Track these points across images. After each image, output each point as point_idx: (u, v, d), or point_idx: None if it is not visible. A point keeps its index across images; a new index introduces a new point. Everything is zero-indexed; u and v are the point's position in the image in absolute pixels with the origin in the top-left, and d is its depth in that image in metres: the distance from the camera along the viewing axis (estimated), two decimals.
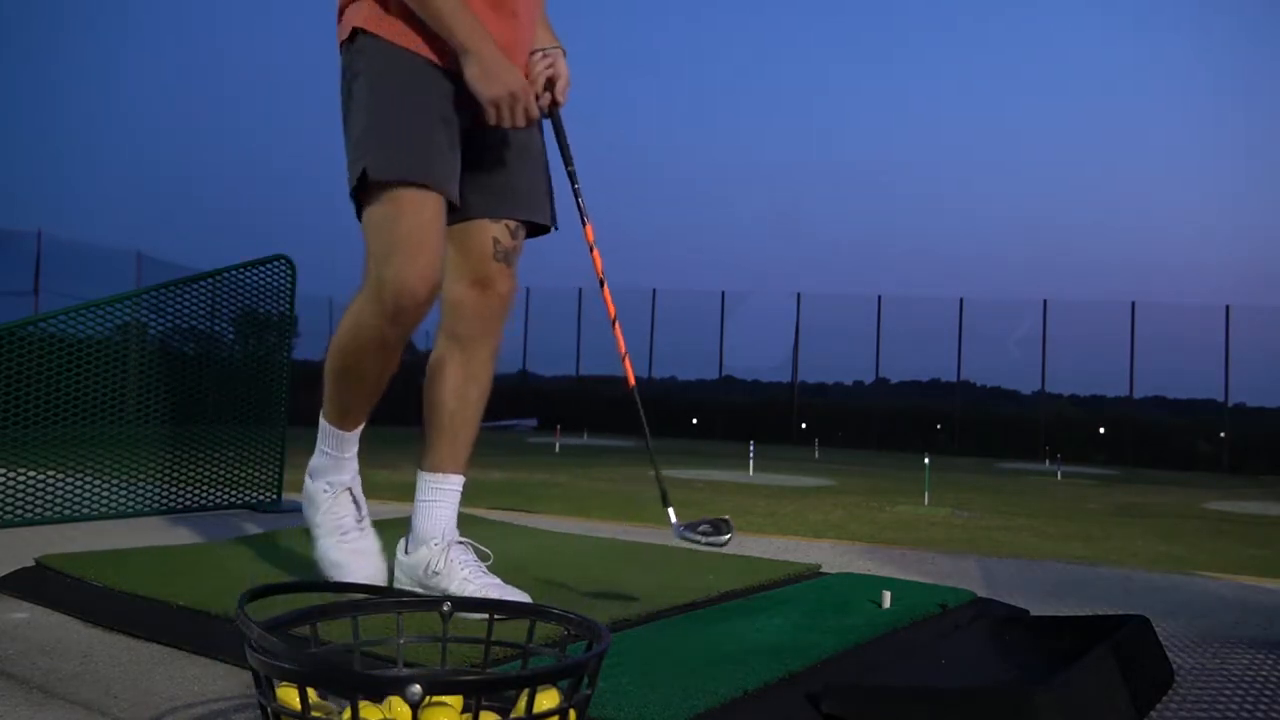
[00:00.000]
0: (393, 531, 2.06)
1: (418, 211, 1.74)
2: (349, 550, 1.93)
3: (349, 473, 1.98)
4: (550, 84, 1.94)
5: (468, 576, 1.83)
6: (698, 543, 1.85)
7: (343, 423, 1.94)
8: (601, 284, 2.03)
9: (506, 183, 1.94)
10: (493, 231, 1.92)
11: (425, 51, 1.80)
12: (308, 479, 2.00)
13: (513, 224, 1.95)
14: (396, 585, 1.96)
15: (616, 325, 2.04)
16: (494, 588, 1.82)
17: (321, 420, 1.97)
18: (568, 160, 1.98)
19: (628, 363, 2.05)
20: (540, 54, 1.96)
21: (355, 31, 1.81)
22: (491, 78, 1.74)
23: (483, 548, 1.94)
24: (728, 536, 1.83)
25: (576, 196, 1.96)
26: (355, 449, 1.99)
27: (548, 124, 2.00)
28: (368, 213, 1.78)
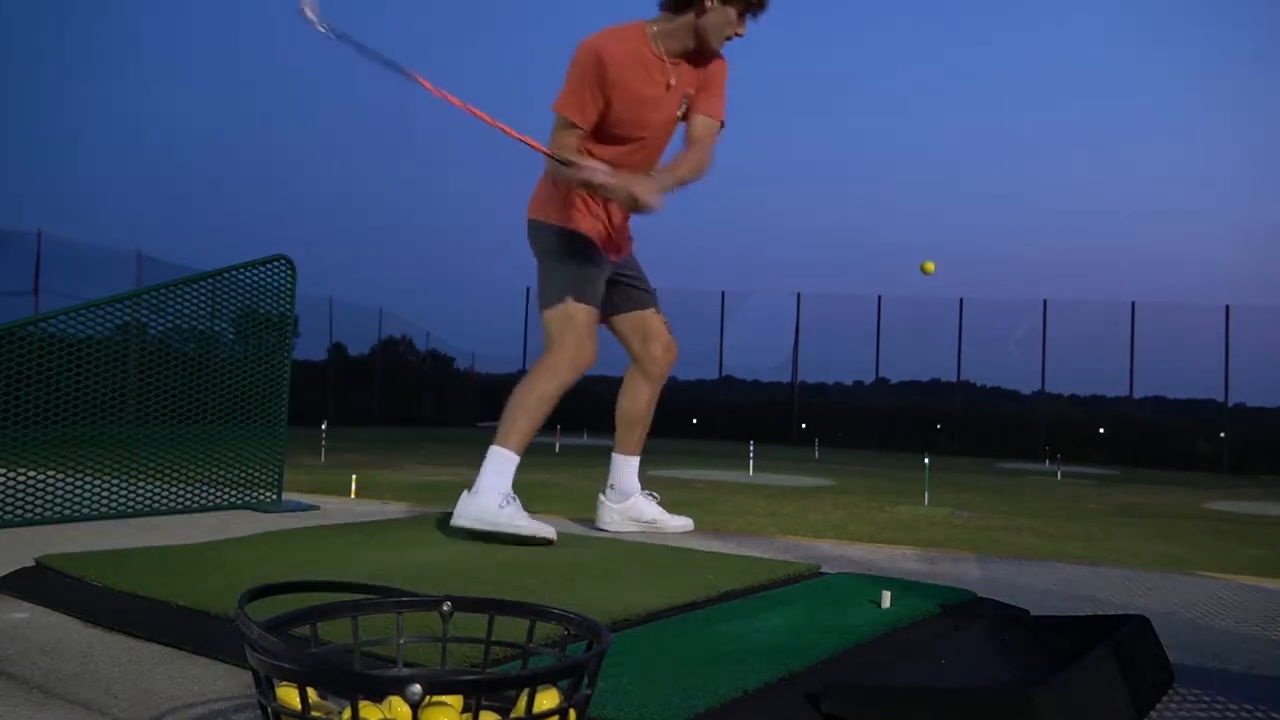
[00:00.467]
0: (405, 531, 2.07)
1: (591, 320, 3.07)
2: (535, 523, 2.76)
3: (508, 488, 2.84)
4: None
5: (657, 511, 3.38)
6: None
7: (520, 447, 2.90)
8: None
9: (645, 281, 3.33)
10: (661, 318, 3.35)
11: (575, 226, 3.07)
12: (474, 497, 2.79)
13: (658, 312, 3.35)
14: (605, 521, 3.36)
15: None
16: (662, 514, 3.38)
17: (499, 451, 2.87)
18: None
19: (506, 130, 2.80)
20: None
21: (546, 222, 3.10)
22: (626, 185, 2.82)
23: (652, 491, 3.44)
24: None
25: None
26: (514, 469, 2.89)
27: None
28: (557, 316, 3.02)
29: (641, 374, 3.31)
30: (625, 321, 3.27)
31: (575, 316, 2.98)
